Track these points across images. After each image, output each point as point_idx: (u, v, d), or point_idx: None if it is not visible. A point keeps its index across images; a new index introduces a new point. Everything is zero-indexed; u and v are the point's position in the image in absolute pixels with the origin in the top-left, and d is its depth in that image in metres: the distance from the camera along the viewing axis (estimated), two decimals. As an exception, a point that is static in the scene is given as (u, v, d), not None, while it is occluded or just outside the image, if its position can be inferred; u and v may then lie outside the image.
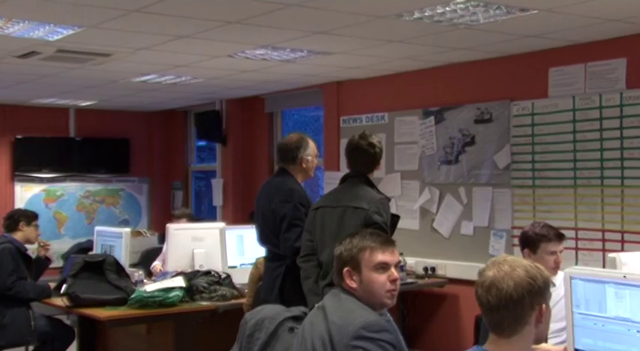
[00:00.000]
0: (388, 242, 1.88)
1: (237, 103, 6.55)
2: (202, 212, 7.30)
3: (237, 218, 6.29)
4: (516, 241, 3.09)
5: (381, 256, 1.83)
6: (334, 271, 1.89)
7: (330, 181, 5.20)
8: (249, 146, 6.57)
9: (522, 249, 2.71)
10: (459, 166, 4.56)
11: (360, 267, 1.82)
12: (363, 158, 2.86)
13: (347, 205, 2.76)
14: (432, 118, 4.74)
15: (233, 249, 4.12)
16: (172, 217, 4.99)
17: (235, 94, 6.28)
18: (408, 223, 4.82)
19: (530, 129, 4.12)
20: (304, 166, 3.18)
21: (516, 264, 1.42)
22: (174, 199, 7.41)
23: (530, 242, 2.68)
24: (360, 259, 1.82)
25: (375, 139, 2.90)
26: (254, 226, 3.29)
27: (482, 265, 1.50)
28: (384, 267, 1.83)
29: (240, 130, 6.57)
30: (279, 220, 3.03)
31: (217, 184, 6.61)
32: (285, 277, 3.01)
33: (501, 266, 1.42)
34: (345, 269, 1.84)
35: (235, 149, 6.55)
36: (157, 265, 4.52)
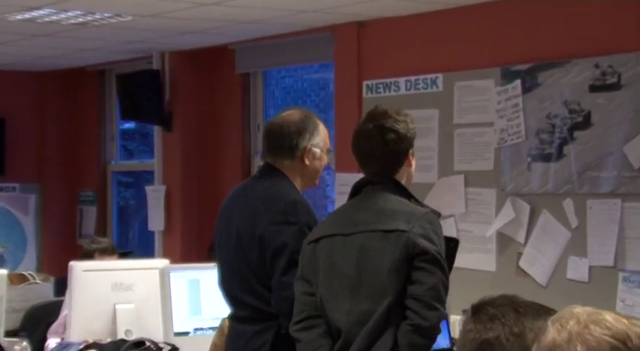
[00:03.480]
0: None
1: (189, 58, 6.59)
2: (130, 242, 7.37)
3: (189, 252, 6.32)
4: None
5: None
6: None
7: (346, 189, 5.12)
8: (209, 130, 6.60)
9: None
10: (564, 163, 4.57)
11: None
12: (377, 150, 2.92)
13: (371, 228, 2.82)
14: (517, 83, 4.76)
15: (182, 304, 4.12)
16: (80, 252, 5.02)
17: (186, 44, 6.30)
18: (478, 259, 4.83)
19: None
20: (307, 163, 3.23)
21: (592, 319, 1.44)
22: (82, 220, 7.47)
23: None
24: None
25: (397, 116, 2.96)
26: (217, 264, 3.33)
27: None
28: None
29: (195, 104, 6.61)
30: (272, 253, 3.07)
31: (156, 196, 6.65)
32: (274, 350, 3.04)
33: (566, 323, 1.44)
34: None
35: (186, 136, 6.58)
36: (54, 331, 4.53)
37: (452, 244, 2.94)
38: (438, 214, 2.89)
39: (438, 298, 2.72)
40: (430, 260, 2.71)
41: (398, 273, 2.73)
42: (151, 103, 6.51)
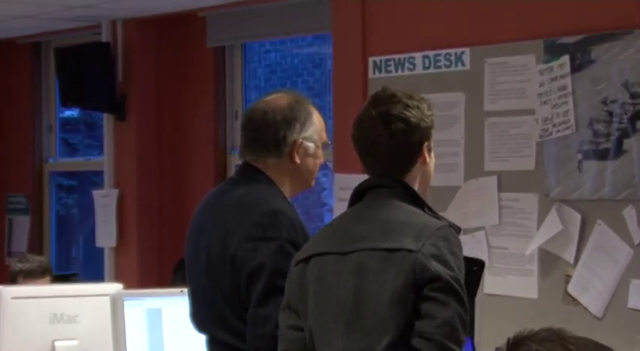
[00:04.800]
0: None
1: (148, 28, 6.61)
2: (73, 262, 7.40)
3: (149, 274, 6.33)
4: None
5: None
6: None
7: (348, 195, 5.03)
8: (173, 120, 6.61)
9: None
10: (625, 162, 4.57)
11: None
12: (381, 144, 2.87)
13: (371, 245, 2.78)
14: (564, 59, 4.77)
15: (140, 340, 4.11)
16: (8, 274, 5.05)
17: (143, 9, 6.30)
18: (515, 284, 4.84)
19: None
20: (298, 161, 3.24)
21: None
22: (11, 233, 7.47)
23: None
24: None
25: (408, 100, 2.91)
26: (185, 290, 3.36)
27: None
28: None
29: (155, 86, 6.62)
30: (247, 278, 3.08)
31: (105, 203, 6.65)
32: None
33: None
34: None
35: (144, 126, 6.60)
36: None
37: (475, 267, 2.94)
38: (458, 229, 2.84)
39: (452, 336, 2.65)
40: (444, 288, 2.66)
41: (402, 304, 2.69)
42: (100, 84, 6.51)
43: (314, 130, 3.25)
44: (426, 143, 2.92)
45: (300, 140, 3.22)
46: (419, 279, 2.69)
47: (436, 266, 2.69)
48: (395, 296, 2.68)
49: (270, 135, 3.21)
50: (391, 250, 2.75)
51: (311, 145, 3.24)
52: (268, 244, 3.06)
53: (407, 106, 2.90)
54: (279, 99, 3.28)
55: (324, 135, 3.30)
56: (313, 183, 3.36)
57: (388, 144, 2.87)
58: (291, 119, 3.22)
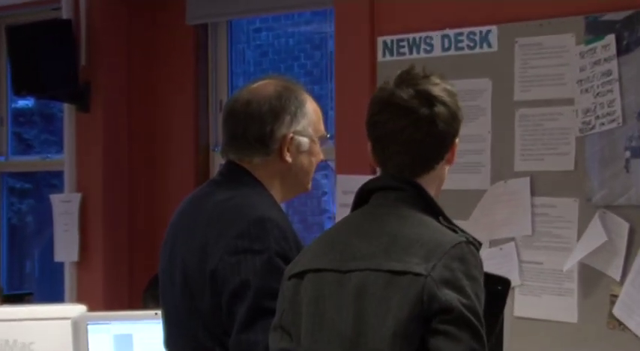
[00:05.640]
0: None
1: (117, 3, 6.61)
2: (27, 279, 7.39)
3: (117, 294, 6.33)
4: None
5: None
6: None
7: (351, 200, 5.12)
8: (146, 111, 6.63)
9: None
10: (681, 161, 4.58)
11: None
12: (416, 132, 2.86)
13: (375, 265, 2.79)
14: (609, 38, 4.78)
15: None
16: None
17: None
18: (552, 305, 4.84)
19: None
20: (289, 159, 3.27)
21: None
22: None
23: None
24: None
25: (445, 84, 2.91)
26: (159, 312, 3.38)
27: None
28: None
29: (125, 71, 6.63)
30: (229, 298, 3.10)
31: (66, 209, 6.66)
32: None
33: None
34: None
35: (112, 119, 6.61)
36: None
37: (500, 287, 2.91)
38: (478, 245, 2.83)
39: None
40: (456, 321, 2.65)
41: (407, 339, 2.69)
42: (59, 69, 6.51)
43: (308, 122, 3.28)
44: (457, 138, 2.95)
45: (291, 135, 3.25)
46: (427, 309, 2.69)
47: (448, 294, 2.69)
48: (399, 329, 2.68)
49: (254, 129, 3.24)
50: (396, 273, 2.75)
51: (304, 139, 3.27)
52: (254, 257, 3.07)
53: (445, 90, 2.91)
54: (265, 86, 3.31)
55: (321, 127, 3.33)
56: (310, 185, 3.38)
57: (427, 132, 2.87)
58: (279, 110, 3.24)
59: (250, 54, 6.46)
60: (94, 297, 6.11)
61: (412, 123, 2.87)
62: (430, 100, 2.87)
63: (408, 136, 2.87)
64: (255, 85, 3.34)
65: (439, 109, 2.87)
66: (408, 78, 2.91)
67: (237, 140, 3.27)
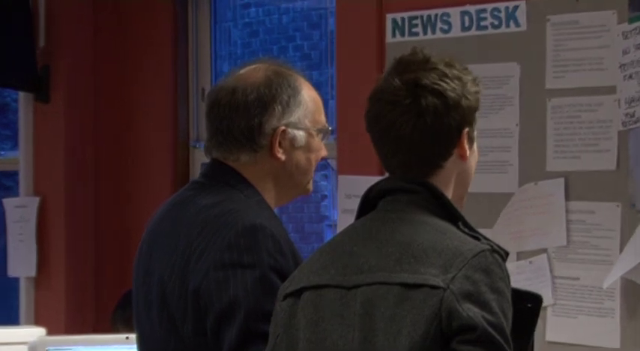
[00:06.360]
0: None
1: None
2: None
3: (81, 315, 6.38)
4: None
5: None
6: None
7: (356, 205, 5.17)
8: (116, 101, 6.65)
9: None
10: None
11: None
12: (405, 127, 2.89)
13: (384, 278, 2.81)
14: (657, 17, 4.80)
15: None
16: None
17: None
18: (591, 327, 4.86)
19: None
20: (282, 157, 3.32)
21: None
22: None
23: None
24: None
25: (446, 69, 2.92)
26: (131, 336, 3.50)
27: None
28: None
29: (92, 55, 6.69)
30: (216, 320, 3.13)
31: (21, 215, 6.71)
32: None
33: None
34: None
35: (75, 110, 6.67)
36: None
37: (530, 304, 2.92)
38: (504, 254, 2.85)
39: None
40: (480, 341, 2.65)
41: None
42: (14, 52, 6.57)
43: (303, 113, 3.32)
44: (466, 129, 2.95)
45: (283, 127, 3.28)
46: (446, 327, 2.71)
47: (470, 310, 2.71)
48: (418, 346, 2.70)
49: (240, 122, 3.28)
50: (409, 286, 2.78)
51: (299, 133, 3.31)
52: (245, 272, 3.11)
53: (444, 76, 2.93)
54: (254, 72, 3.35)
55: (320, 118, 3.37)
56: (310, 186, 3.44)
57: (414, 126, 2.90)
58: (268, 99, 3.29)
59: (237, 34, 6.47)
60: (55, 318, 6.20)
61: (399, 119, 2.91)
62: (416, 90, 2.90)
63: (396, 132, 2.92)
64: (243, 70, 3.38)
65: (427, 100, 2.90)
66: (401, 65, 2.97)
67: (221, 135, 3.31)
